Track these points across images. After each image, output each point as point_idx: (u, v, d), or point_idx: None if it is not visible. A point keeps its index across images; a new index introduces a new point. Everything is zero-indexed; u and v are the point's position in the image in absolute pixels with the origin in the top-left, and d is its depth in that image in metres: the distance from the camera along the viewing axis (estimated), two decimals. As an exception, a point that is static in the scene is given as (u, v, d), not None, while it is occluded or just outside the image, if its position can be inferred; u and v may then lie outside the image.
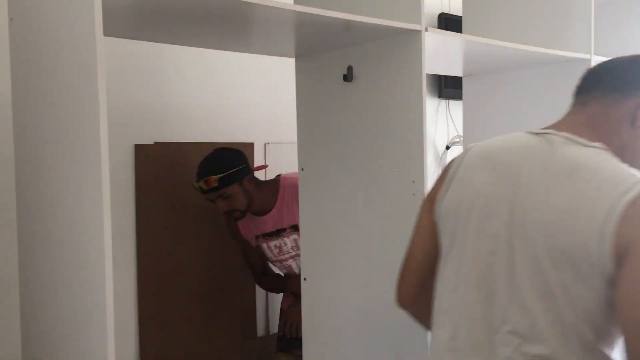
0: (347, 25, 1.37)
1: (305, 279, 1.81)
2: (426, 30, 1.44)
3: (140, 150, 2.31)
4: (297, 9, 1.25)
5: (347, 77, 1.61)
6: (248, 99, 2.57)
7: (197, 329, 2.43)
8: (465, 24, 2.27)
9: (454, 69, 2.28)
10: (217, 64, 2.49)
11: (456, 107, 3.37)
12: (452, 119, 3.47)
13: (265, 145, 2.63)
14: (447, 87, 3.33)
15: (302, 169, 1.81)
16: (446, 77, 3.28)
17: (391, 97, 1.51)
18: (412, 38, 1.45)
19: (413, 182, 1.46)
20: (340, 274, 1.69)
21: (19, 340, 1.52)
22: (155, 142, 2.35)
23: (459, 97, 2.44)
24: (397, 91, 1.49)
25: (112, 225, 1.04)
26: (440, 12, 3.27)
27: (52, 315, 1.33)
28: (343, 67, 1.62)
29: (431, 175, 1.37)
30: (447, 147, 3.48)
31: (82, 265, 1.15)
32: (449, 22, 3.22)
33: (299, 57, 1.79)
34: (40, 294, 1.39)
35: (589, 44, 1.94)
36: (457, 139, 3.42)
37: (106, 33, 1.08)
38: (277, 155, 2.64)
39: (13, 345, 1.75)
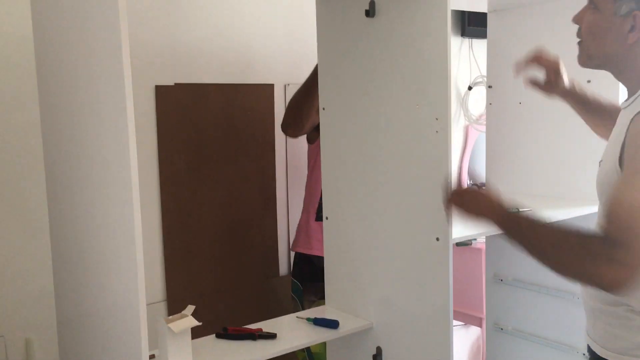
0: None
1: (327, 217, 1.83)
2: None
3: (161, 92, 2.30)
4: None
5: (369, 13, 1.57)
6: (268, 39, 2.53)
7: (220, 267, 2.48)
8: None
9: (479, 2, 2.21)
10: (237, 3, 2.45)
11: (479, 47, 3.29)
12: (475, 59, 3.39)
13: (285, 86, 2.60)
14: (471, 25, 3.24)
15: (324, 108, 1.80)
16: (469, 14, 3.19)
17: (415, 33, 1.48)
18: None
19: (436, 119, 1.44)
20: (363, 212, 1.70)
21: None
22: (175, 84, 2.34)
23: (482, 35, 2.38)
24: (420, 27, 1.46)
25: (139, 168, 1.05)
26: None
27: (85, 251, 1.36)
28: (365, 2, 1.58)
29: (452, 114, 1.35)
30: (470, 88, 3.42)
31: (112, 202, 1.17)
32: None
33: (319, -7, 1.74)
34: (73, 232, 1.42)
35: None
36: (480, 79, 3.36)
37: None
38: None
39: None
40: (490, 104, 2.33)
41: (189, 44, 2.36)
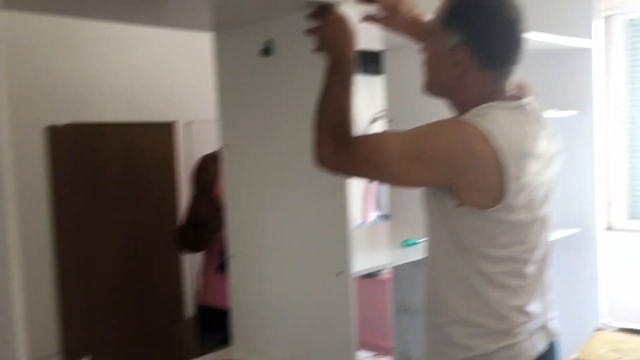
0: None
1: (232, 256, 1.80)
2: (341, 3, 1.43)
3: (53, 132, 2.20)
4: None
5: (267, 51, 1.59)
6: (168, 75, 2.49)
7: (121, 314, 2.37)
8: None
9: (374, 42, 2.29)
10: (135, 39, 2.40)
11: (378, 82, 3.40)
12: (374, 94, 3.51)
13: (188, 124, 2.56)
14: (367, 62, 3.35)
15: (225, 146, 1.78)
16: (365, 52, 3.30)
17: (311, 71, 1.50)
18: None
19: (336, 154, 1.46)
20: (268, 251, 1.68)
21: None
22: (68, 124, 2.24)
23: (379, 72, 2.46)
24: (317, 65, 1.48)
25: (24, 213, 0.98)
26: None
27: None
28: (262, 41, 1.59)
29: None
30: (373, 121, 3.53)
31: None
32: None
33: (217, 31, 1.74)
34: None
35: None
36: (380, 114, 3.47)
37: (6, 6, 1.01)
38: (202, 134, 2.57)
39: None
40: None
41: (84, 81, 2.27)
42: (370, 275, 2.99)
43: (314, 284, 1.55)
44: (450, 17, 1.31)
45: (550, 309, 1.43)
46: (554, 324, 1.43)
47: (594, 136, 2.52)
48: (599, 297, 2.52)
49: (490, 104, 1.29)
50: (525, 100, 1.34)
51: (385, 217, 3.58)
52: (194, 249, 2.27)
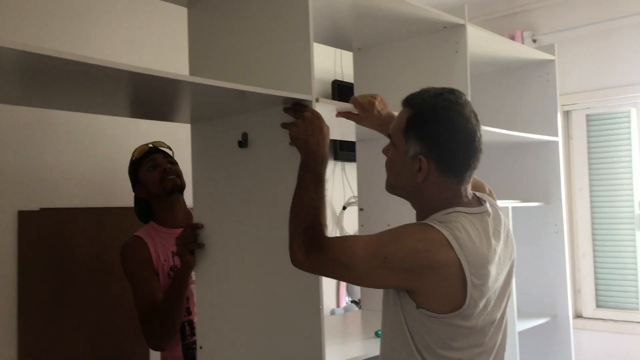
0: (241, 94, 1.40)
1: (201, 347, 1.76)
2: (317, 100, 1.50)
3: (24, 217, 2.18)
4: (194, 80, 1.26)
5: (242, 143, 1.63)
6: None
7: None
8: (357, 91, 2.39)
9: (348, 135, 2.38)
10: (105, 125, 2.43)
11: (351, 169, 3.48)
12: (347, 180, 3.58)
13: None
14: (342, 149, 3.45)
15: (198, 234, 1.79)
16: (341, 140, 3.40)
17: (285, 163, 1.54)
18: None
19: (308, 246, 1.48)
20: (238, 342, 1.66)
21: None
22: (41, 209, 2.23)
23: (353, 159, 2.53)
24: (291, 157, 1.53)
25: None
26: (333, 79, 3.42)
27: None
28: (238, 133, 1.64)
29: (330, 234, 1.40)
30: (344, 207, 3.57)
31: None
32: (342, 89, 3.37)
33: (193, 122, 1.79)
34: None
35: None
36: (353, 199, 3.52)
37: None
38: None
39: None
40: (362, 225, 2.44)
41: (56, 167, 2.29)
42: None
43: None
44: (409, 128, 1.35)
45: None
46: None
47: (560, 226, 2.59)
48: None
49: (454, 209, 1.33)
50: (486, 206, 1.39)
51: (357, 302, 3.56)
52: (165, 334, 2.02)
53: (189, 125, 1.81)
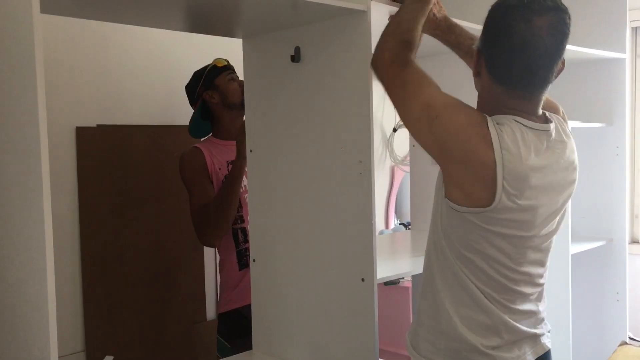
0: (294, 4, 1.35)
1: (254, 260, 1.81)
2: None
3: (82, 133, 2.24)
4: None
5: (295, 58, 1.60)
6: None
7: (145, 315, 2.40)
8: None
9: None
10: (162, 44, 2.43)
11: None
12: (399, 101, 3.50)
13: (212, 127, 2.59)
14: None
15: (251, 151, 1.80)
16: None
17: (338, 78, 1.51)
18: (358, 18, 1.45)
19: (360, 161, 1.47)
20: (290, 255, 1.69)
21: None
22: (97, 125, 2.28)
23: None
24: (344, 72, 1.50)
25: (54, 211, 1.01)
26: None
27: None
28: (291, 47, 1.61)
29: (378, 156, 1.39)
30: (394, 130, 3.53)
31: (22, 253, 1.11)
32: None
33: (246, 37, 1.76)
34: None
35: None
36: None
37: (43, 10, 1.04)
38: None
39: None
40: (414, 145, 2.41)
41: (112, 84, 2.32)
42: (392, 283, 2.99)
43: (336, 289, 1.56)
44: (484, 26, 1.33)
45: (542, 323, 1.43)
46: (545, 339, 1.42)
47: (622, 148, 2.49)
48: (623, 311, 2.48)
49: (514, 117, 1.28)
50: (549, 126, 1.32)
51: (405, 225, 3.58)
52: (215, 230, 2.16)
53: (240, 44, 1.78)
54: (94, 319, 2.26)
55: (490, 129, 1.23)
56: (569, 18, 1.26)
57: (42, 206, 0.98)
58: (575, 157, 1.40)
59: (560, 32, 1.24)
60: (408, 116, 1.33)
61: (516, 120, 1.28)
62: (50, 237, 0.98)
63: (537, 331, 1.40)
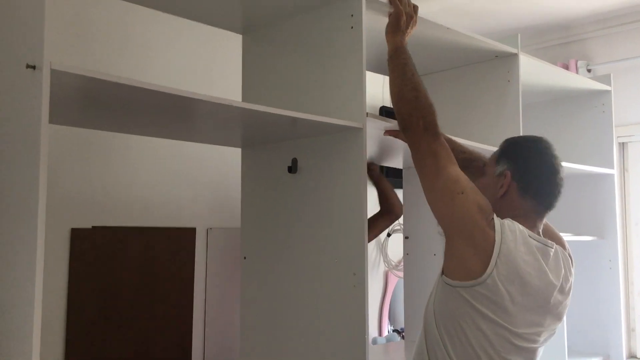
0: (294, 120, 1.41)
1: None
2: (367, 115, 1.50)
3: (77, 235, 2.24)
4: (246, 106, 1.28)
5: (292, 169, 1.64)
6: (190, 183, 2.56)
7: None
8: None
9: (395, 162, 2.37)
10: (159, 149, 2.49)
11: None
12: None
13: (207, 230, 2.60)
14: (389, 176, 3.42)
15: (245, 258, 1.80)
16: (387, 167, 3.38)
17: (334, 190, 1.54)
18: (354, 134, 1.50)
19: (354, 274, 1.47)
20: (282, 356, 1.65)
21: None
22: (93, 227, 2.29)
23: (400, 186, 2.51)
24: (339, 185, 1.53)
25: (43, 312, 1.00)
26: (381, 105, 3.41)
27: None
28: (288, 159, 1.65)
29: (371, 266, 1.40)
30: (389, 235, 3.54)
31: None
32: (389, 115, 3.34)
33: (245, 147, 1.82)
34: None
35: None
36: (398, 227, 3.49)
37: (52, 121, 1.08)
38: (220, 240, 2.60)
39: None
40: (407, 254, 2.41)
41: (109, 186, 2.35)
42: None
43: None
44: (502, 153, 1.55)
45: None
46: None
47: (614, 262, 2.50)
48: None
49: (518, 223, 1.42)
50: (549, 247, 1.44)
51: (399, 332, 3.50)
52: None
53: (238, 150, 1.83)
54: None
55: (494, 217, 1.40)
56: None
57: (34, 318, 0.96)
58: (571, 282, 1.49)
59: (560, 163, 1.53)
60: (434, 186, 1.44)
61: (523, 228, 1.42)
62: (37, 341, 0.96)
63: None
